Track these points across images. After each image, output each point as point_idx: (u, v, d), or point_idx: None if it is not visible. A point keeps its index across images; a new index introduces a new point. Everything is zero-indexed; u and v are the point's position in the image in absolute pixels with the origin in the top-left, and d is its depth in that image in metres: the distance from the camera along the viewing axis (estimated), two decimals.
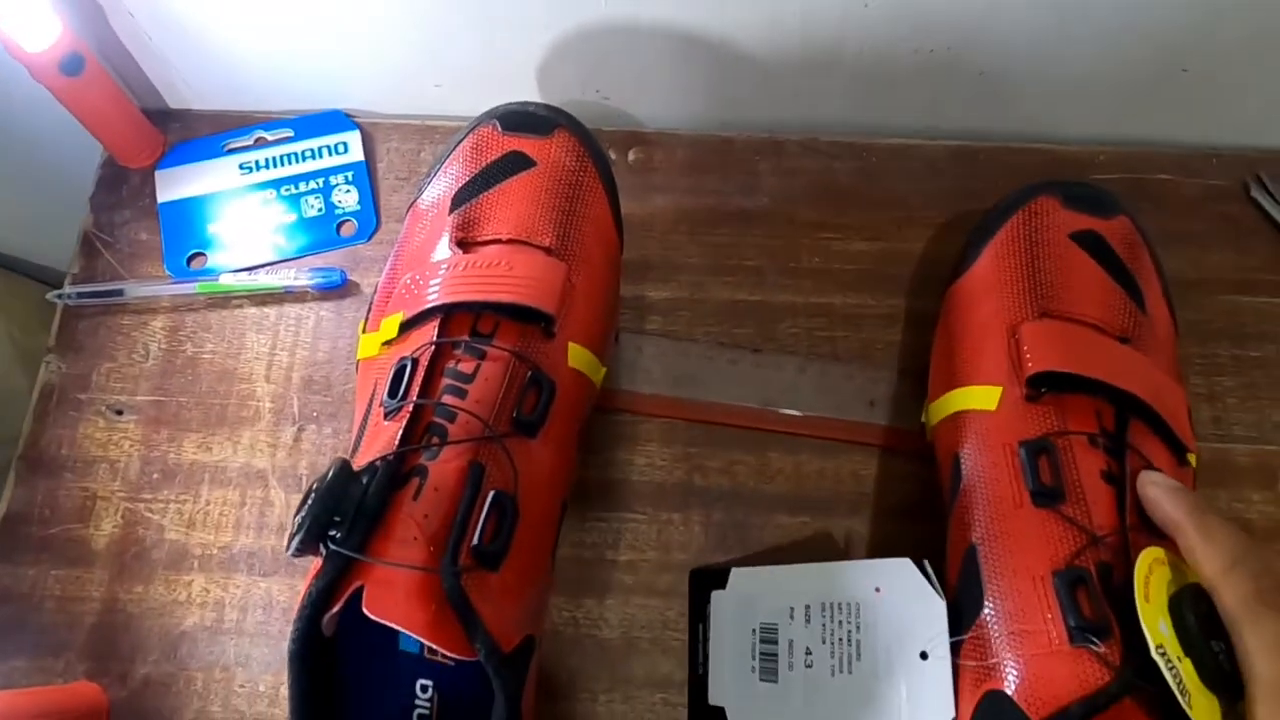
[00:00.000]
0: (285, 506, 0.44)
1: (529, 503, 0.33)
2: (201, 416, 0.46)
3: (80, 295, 0.47)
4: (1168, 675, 0.28)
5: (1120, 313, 0.38)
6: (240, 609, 0.42)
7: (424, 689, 0.37)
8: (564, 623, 0.42)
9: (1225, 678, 0.28)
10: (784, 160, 0.52)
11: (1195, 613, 0.29)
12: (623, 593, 0.43)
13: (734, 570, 0.40)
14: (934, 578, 0.36)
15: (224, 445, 0.45)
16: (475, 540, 0.30)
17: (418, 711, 0.36)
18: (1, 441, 0.48)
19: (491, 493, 0.32)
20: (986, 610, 0.33)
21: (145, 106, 0.52)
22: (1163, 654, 0.28)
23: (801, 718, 0.36)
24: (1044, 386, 0.36)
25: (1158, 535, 0.32)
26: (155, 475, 0.45)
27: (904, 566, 0.37)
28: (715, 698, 0.38)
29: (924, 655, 0.35)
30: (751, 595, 0.39)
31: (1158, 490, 0.33)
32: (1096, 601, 0.31)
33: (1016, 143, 0.52)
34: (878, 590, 0.37)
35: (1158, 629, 0.29)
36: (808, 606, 0.37)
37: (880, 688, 0.35)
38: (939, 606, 0.35)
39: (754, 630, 0.38)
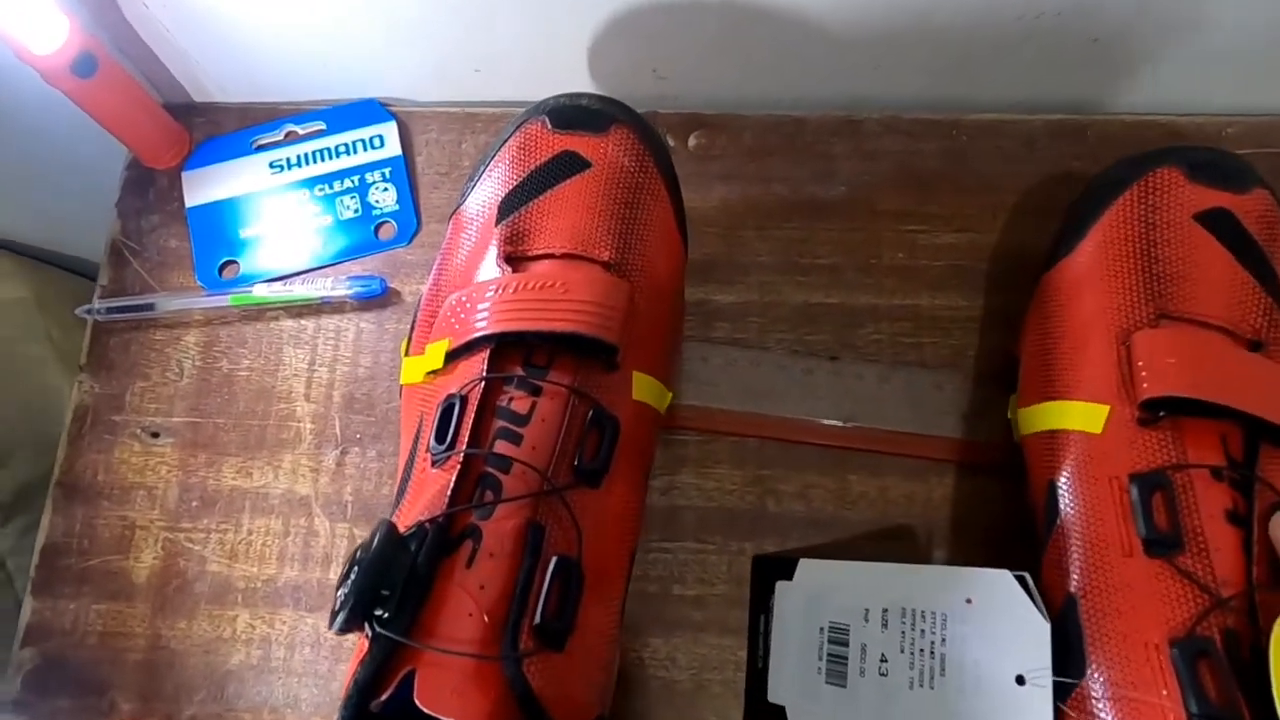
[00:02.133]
0: (330, 536, 0.42)
1: (595, 563, 0.30)
2: (240, 439, 0.43)
3: (110, 310, 0.45)
4: None
5: (1253, 311, 0.33)
6: (287, 646, 0.40)
7: None
8: (629, 663, 0.39)
9: None
10: (862, 142, 0.46)
11: None
12: (691, 630, 0.39)
13: (802, 560, 0.37)
14: (1037, 596, 0.32)
15: (264, 470, 0.43)
16: (537, 617, 0.27)
17: None
18: (42, 446, 0.47)
19: (554, 559, 0.28)
20: (1090, 674, 0.29)
21: (167, 101, 0.48)
22: None
23: None
24: (1162, 410, 0.31)
25: None
26: (194, 503, 0.42)
27: (1002, 579, 0.33)
28: (775, 695, 0.35)
29: (1020, 680, 0.31)
30: (821, 590, 0.36)
31: None
32: (1224, 679, 0.26)
33: (1129, 114, 0.46)
34: (969, 601, 0.33)
35: None
36: (885, 610, 0.34)
37: (966, 708, 0.32)
38: (1042, 629, 0.31)
39: (822, 629, 0.35)
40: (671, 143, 0.47)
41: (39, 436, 0.52)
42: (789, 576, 0.37)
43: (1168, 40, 0.42)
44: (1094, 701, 0.29)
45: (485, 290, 0.34)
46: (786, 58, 0.45)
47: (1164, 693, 0.27)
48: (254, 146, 0.47)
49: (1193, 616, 0.28)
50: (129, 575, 0.42)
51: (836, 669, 0.35)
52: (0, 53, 0.39)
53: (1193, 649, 0.27)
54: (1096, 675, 0.29)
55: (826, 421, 0.42)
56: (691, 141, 0.47)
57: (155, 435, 0.43)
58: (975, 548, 0.40)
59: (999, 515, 0.40)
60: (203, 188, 0.47)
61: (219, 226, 0.46)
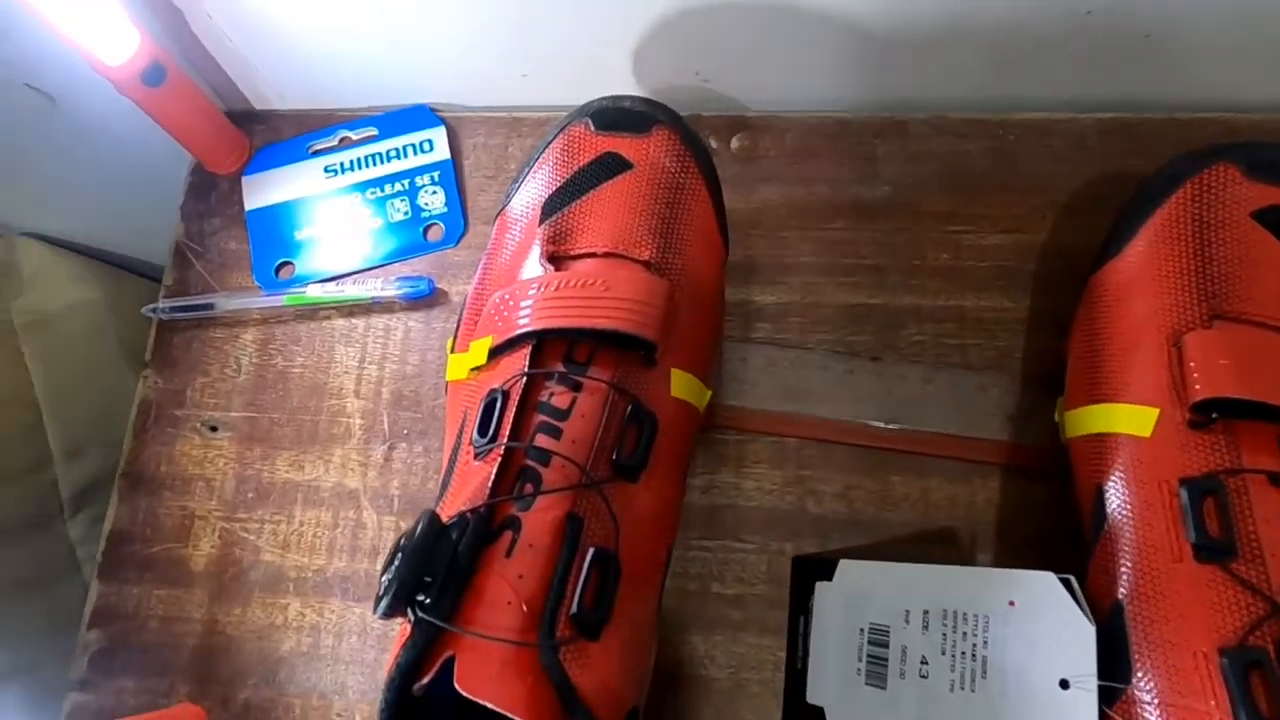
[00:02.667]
0: (377, 529, 0.43)
1: (632, 557, 0.30)
2: (293, 434, 0.45)
3: (173, 309, 0.47)
4: None
5: None
6: (335, 635, 0.41)
7: None
8: (667, 660, 0.39)
9: None
10: (908, 142, 0.46)
11: None
12: (730, 629, 0.40)
13: (842, 561, 0.36)
14: (1082, 599, 0.31)
15: (316, 464, 0.44)
16: (574, 607, 0.27)
17: None
18: (111, 442, 0.49)
19: (591, 550, 0.29)
20: (1137, 680, 0.29)
21: (230, 109, 0.50)
22: None
23: None
24: (1215, 412, 0.30)
25: None
26: (250, 494, 0.44)
27: (1046, 581, 0.32)
28: (815, 696, 0.35)
29: (1064, 684, 0.31)
30: (861, 591, 0.35)
31: None
32: (1276, 691, 0.26)
33: (1183, 113, 0.44)
34: (1011, 604, 0.33)
35: None
36: (926, 611, 0.34)
37: (1008, 711, 0.31)
38: (1087, 632, 0.31)
39: (862, 630, 0.35)
40: (715, 144, 0.47)
41: (108, 433, 0.54)
42: (829, 577, 0.37)
43: (1222, 34, 0.41)
44: (1140, 707, 0.28)
45: (528, 288, 0.34)
46: (829, 59, 0.45)
47: (1212, 703, 0.26)
48: (310, 152, 0.49)
49: (1245, 625, 0.27)
50: (188, 563, 0.43)
51: (876, 670, 0.35)
52: (73, 65, 0.41)
53: (1244, 659, 0.26)
54: (1143, 682, 0.28)
55: (869, 423, 0.41)
56: (735, 143, 0.47)
57: (214, 429, 0.45)
58: (1019, 552, 0.39)
59: (1044, 520, 0.39)
60: (261, 192, 0.49)
61: (276, 229, 0.48)
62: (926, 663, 0.33)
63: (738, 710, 0.39)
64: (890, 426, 0.41)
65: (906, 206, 0.45)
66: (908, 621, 0.34)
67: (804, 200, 0.46)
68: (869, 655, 0.35)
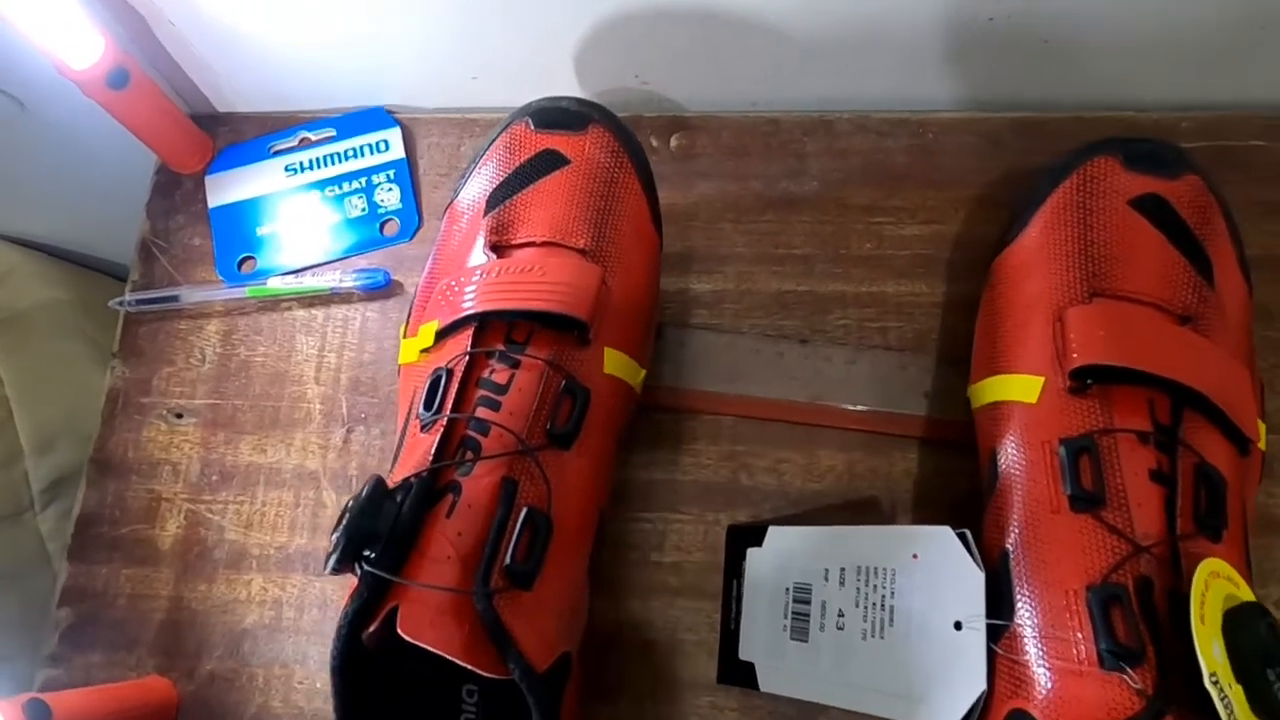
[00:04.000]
0: (336, 507, 0.45)
1: (563, 517, 0.33)
2: (256, 419, 0.47)
3: (139, 302, 0.49)
4: (1219, 706, 0.26)
5: (1183, 289, 0.35)
6: (297, 608, 0.44)
7: (470, 694, 0.37)
8: (608, 625, 0.42)
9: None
10: (834, 140, 0.49)
11: (1249, 635, 0.26)
12: (668, 594, 0.42)
13: (771, 528, 0.40)
14: (974, 549, 0.34)
15: (278, 447, 0.46)
16: (508, 559, 0.30)
17: (464, 716, 0.37)
18: (80, 437, 0.51)
19: (524, 509, 0.31)
20: (1018, 619, 0.32)
21: (194, 112, 0.52)
22: (1215, 682, 0.26)
23: (830, 678, 0.36)
24: (1090, 378, 0.33)
25: (1214, 540, 0.30)
26: (214, 477, 0.46)
27: (943, 535, 0.35)
28: (746, 653, 0.38)
29: (958, 626, 0.34)
30: (787, 555, 0.39)
31: None
32: (1132, 622, 0.29)
33: (1089, 111, 0.48)
34: (915, 557, 0.36)
35: (1211, 654, 0.27)
36: (843, 569, 0.37)
37: (911, 655, 0.35)
38: (977, 578, 0.34)
39: (787, 589, 0.38)
40: (655, 143, 0.50)
41: (78, 428, 0.56)
42: (759, 543, 0.40)
43: (1119, 38, 0.44)
44: (1021, 641, 0.31)
45: (472, 275, 0.37)
46: (759, 63, 0.48)
47: (1079, 635, 0.29)
48: (271, 151, 0.51)
49: (1109, 565, 0.30)
50: (155, 543, 0.45)
51: (800, 625, 0.38)
52: (41, 70, 0.43)
53: (1106, 594, 0.29)
54: (1024, 618, 0.31)
55: (796, 400, 0.44)
56: (674, 142, 0.50)
57: (180, 416, 0.47)
58: (936, 516, 0.42)
59: (959, 487, 0.42)
60: (224, 189, 0.51)
61: (239, 225, 0.50)
62: (843, 615, 0.36)
63: (674, 669, 0.41)
64: (817, 404, 0.44)
65: (833, 200, 0.48)
66: (827, 579, 0.37)
67: (738, 195, 0.49)
68: (794, 612, 0.38)
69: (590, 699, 0.41)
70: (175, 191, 0.52)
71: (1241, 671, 0.26)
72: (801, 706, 0.39)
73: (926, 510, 0.42)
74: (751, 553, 0.40)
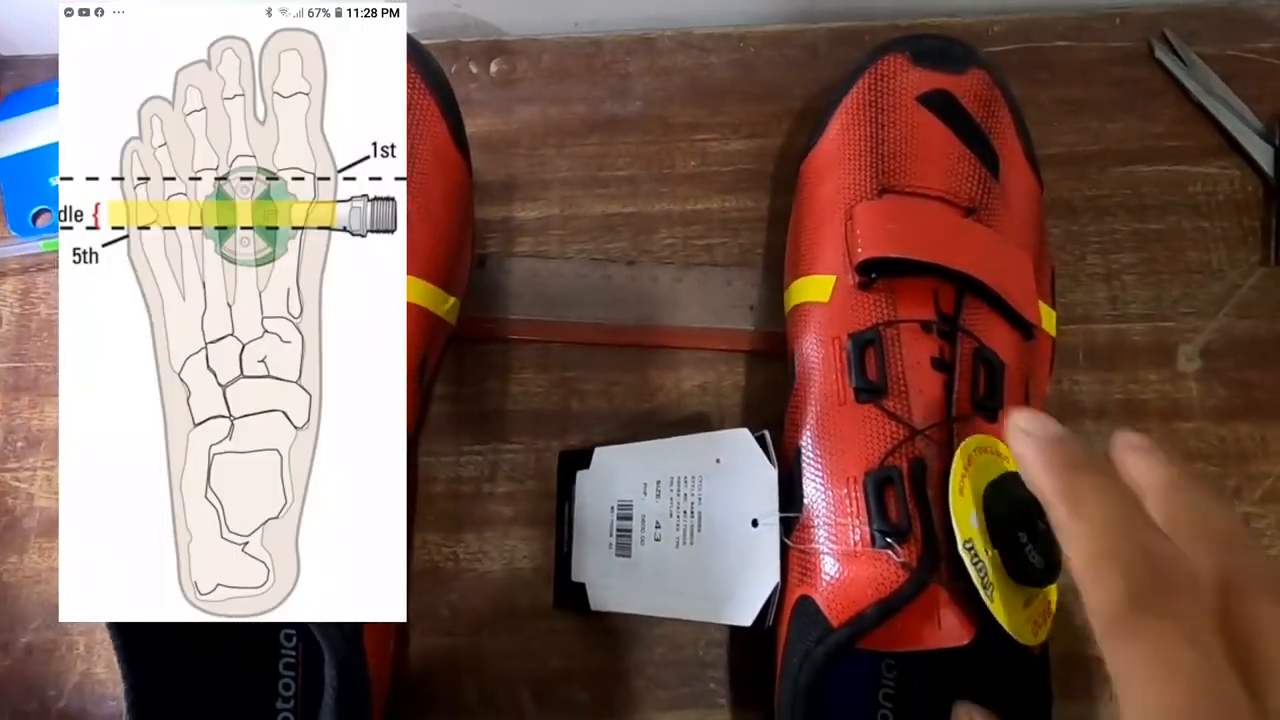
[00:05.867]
0: None
1: None
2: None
3: None
4: (972, 570, 0.27)
5: (968, 181, 0.36)
6: None
7: (289, 638, 0.37)
8: (444, 559, 0.41)
9: (1030, 569, 0.27)
10: (656, 59, 0.48)
11: (1006, 503, 0.27)
12: (503, 525, 0.42)
13: (597, 450, 0.40)
14: (770, 449, 0.35)
15: None
16: None
17: (283, 659, 0.36)
18: None
19: None
20: (805, 511, 0.32)
21: None
22: (969, 549, 0.27)
23: (650, 590, 0.36)
24: (875, 273, 0.34)
25: (990, 420, 0.31)
26: (20, 444, 0.44)
27: (741, 437, 0.36)
28: (578, 574, 0.39)
29: (755, 523, 0.35)
30: (612, 474, 0.39)
31: (1027, 444, 0.24)
32: (902, 502, 0.29)
33: (905, 19, 0.48)
34: (718, 462, 0.36)
35: (968, 522, 0.27)
36: (659, 481, 0.37)
37: (715, 557, 0.35)
38: (771, 476, 0.35)
39: (612, 508, 0.38)
40: (475, 69, 0.48)
41: None
42: (587, 466, 0.40)
43: None
44: (809, 530, 0.32)
45: None
46: None
47: (856, 518, 0.30)
48: None
49: (888, 449, 0.31)
50: None
51: (624, 542, 0.38)
52: None
53: (880, 477, 0.30)
54: (811, 509, 0.32)
55: (624, 323, 0.44)
56: (494, 68, 0.48)
57: None
58: (763, 426, 0.42)
59: (783, 396, 0.43)
60: (13, 138, 0.47)
61: (30, 176, 0.47)
62: (660, 526, 0.37)
63: (512, 597, 0.41)
64: (644, 325, 0.44)
65: (656, 119, 0.47)
66: (645, 493, 0.37)
67: (560, 119, 0.47)
68: (618, 529, 0.38)
69: (428, 634, 0.40)
70: None
71: (997, 536, 0.27)
72: (636, 620, 0.40)
73: (755, 420, 0.42)
74: (580, 475, 0.40)
